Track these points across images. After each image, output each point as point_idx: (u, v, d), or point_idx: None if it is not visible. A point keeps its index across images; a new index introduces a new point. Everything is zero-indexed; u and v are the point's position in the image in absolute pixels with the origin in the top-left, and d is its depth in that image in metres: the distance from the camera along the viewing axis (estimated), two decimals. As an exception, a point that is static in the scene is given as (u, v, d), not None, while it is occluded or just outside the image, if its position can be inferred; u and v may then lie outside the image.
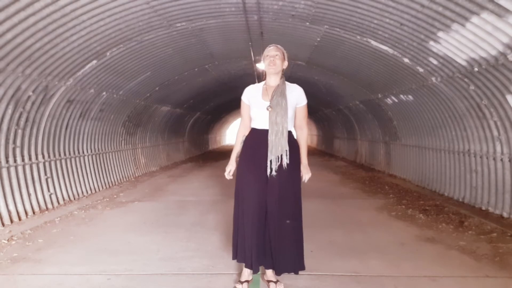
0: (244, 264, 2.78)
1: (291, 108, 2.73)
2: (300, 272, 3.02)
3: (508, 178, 4.73)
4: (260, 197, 2.67)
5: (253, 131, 2.82)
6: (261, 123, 2.75)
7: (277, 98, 2.70)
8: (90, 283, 2.93)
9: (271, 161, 2.66)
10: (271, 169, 2.65)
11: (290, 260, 2.70)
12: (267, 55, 2.76)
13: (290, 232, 2.69)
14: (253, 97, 2.80)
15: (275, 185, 2.66)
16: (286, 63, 2.80)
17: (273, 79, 2.78)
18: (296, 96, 2.78)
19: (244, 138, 2.91)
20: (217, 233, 4.15)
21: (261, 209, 2.66)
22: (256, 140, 2.76)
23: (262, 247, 2.69)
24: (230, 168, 2.90)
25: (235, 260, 2.83)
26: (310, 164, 2.85)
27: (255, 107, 2.77)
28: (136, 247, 3.75)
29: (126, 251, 3.64)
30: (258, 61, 8.55)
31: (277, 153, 2.65)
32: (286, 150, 2.67)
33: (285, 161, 2.66)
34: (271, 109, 2.68)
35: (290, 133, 2.76)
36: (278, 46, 2.80)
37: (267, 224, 2.68)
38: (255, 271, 2.73)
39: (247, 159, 2.78)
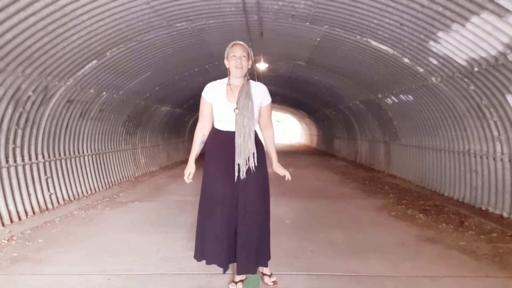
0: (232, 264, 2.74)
1: (256, 109, 2.68)
2: (300, 272, 3.03)
3: (508, 178, 4.73)
4: (231, 201, 2.62)
5: (218, 133, 2.73)
6: (226, 125, 2.67)
7: (244, 100, 2.61)
8: (90, 283, 2.93)
9: (239, 164, 2.60)
10: (239, 172, 2.60)
11: (254, 260, 2.66)
12: (233, 55, 2.63)
13: (259, 233, 2.65)
14: (216, 97, 2.68)
15: (243, 187, 2.62)
16: (250, 63, 2.72)
17: (238, 79, 2.69)
18: (261, 95, 2.72)
19: (203, 138, 2.79)
20: (217, 233, 4.14)
21: (232, 212, 2.62)
22: (222, 143, 2.68)
23: (234, 248, 2.67)
24: (190, 170, 2.74)
25: (198, 261, 2.77)
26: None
27: (220, 109, 2.67)
28: (136, 247, 3.75)
29: (126, 251, 3.63)
30: (258, 61, 8.55)
31: (245, 156, 2.60)
32: (254, 153, 2.62)
33: (253, 163, 2.62)
34: (238, 112, 2.61)
35: (255, 134, 2.69)
36: (244, 44, 2.68)
37: (238, 226, 2.63)
38: (226, 269, 2.70)
39: (213, 162, 2.71)
